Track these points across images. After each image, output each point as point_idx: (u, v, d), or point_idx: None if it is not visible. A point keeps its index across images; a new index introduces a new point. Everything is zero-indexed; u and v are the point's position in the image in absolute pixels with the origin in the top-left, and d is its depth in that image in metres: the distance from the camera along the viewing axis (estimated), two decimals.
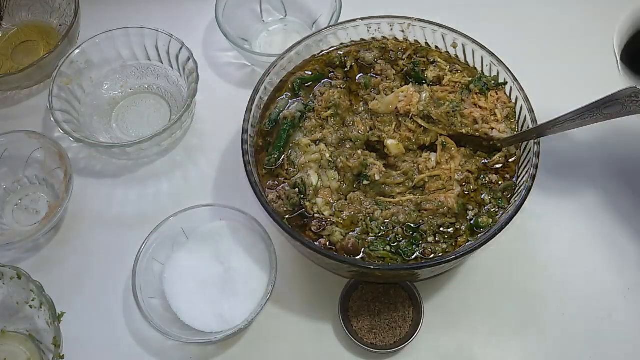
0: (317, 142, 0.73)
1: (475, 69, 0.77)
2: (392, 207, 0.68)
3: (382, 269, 0.64)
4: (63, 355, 0.66)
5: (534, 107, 0.71)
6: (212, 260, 0.72)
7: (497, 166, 0.71)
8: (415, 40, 0.80)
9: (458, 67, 0.78)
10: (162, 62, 0.89)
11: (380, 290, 0.72)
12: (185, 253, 0.73)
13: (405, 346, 0.69)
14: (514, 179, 0.70)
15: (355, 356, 0.71)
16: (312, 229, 0.67)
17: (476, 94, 0.74)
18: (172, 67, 0.88)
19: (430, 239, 0.67)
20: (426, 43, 0.80)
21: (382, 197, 0.69)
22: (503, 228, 0.64)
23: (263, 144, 0.74)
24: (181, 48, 0.84)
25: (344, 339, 0.71)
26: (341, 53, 0.79)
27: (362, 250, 0.66)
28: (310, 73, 0.78)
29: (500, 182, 0.70)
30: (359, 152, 0.71)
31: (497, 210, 0.68)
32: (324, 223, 0.68)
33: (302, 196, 0.69)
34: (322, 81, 0.78)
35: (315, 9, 0.93)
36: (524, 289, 0.74)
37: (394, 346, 0.69)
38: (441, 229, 0.67)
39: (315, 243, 0.66)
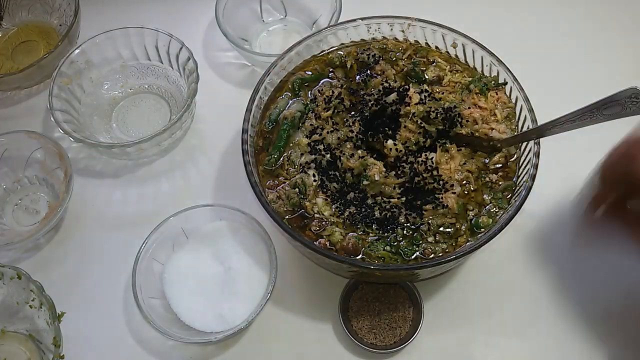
0: (317, 142, 0.73)
1: (475, 69, 0.77)
2: (391, 207, 0.68)
3: (382, 269, 0.64)
4: (63, 355, 0.66)
5: (534, 107, 0.71)
6: (212, 260, 0.72)
7: (497, 166, 0.71)
8: (415, 40, 0.80)
9: (458, 67, 0.78)
10: (162, 62, 0.89)
11: (380, 290, 0.72)
12: (185, 253, 0.73)
13: (405, 346, 0.69)
14: (514, 179, 0.70)
15: (355, 356, 0.71)
16: (312, 229, 0.67)
17: (476, 94, 0.74)
18: (172, 67, 0.88)
19: (430, 239, 0.67)
20: (426, 43, 0.80)
21: (381, 197, 0.69)
22: (503, 228, 0.64)
23: (263, 144, 0.74)
24: (181, 48, 0.84)
25: (344, 339, 0.71)
26: (341, 53, 0.79)
27: (362, 250, 0.66)
28: (310, 73, 0.78)
29: (500, 182, 0.70)
30: (359, 152, 0.71)
31: (497, 210, 0.68)
32: (324, 223, 0.68)
33: (302, 196, 0.69)
34: (322, 81, 0.78)
35: (315, 9, 0.93)
36: (523, 289, 0.74)
37: (394, 346, 0.69)
38: (441, 229, 0.67)
39: (315, 243, 0.66)
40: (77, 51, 0.85)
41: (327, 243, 0.67)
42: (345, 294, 0.71)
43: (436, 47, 0.80)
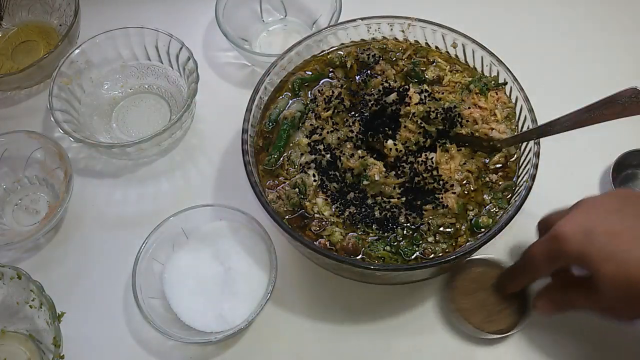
0: (317, 142, 0.73)
1: (475, 69, 0.77)
2: (391, 207, 0.68)
3: (382, 269, 0.64)
4: (63, 355, 0.66)
5: (534, 107, 0.71)
6: (212, 260, 0.72)
7: (497, 166, 0.71)
8: (415, 40, 0.80)
9: (458, 67, 0.78)
10: (162, 62, 0.89)
11: (487, 277, 0.71)
12: (185, 253, 0.73)
13: (512, 333, 0.69)
14: (514, 179, 0.70)
15: (354, 356, 0.71)
16: (312, 229, 0.67)
17: (476, 94, 0.74)
18: (172, 67, 0.88)
19: (430, 239, 0.67)
20: (426, 43, 0.80)
21: (381, 197, 0.69)
22: (503, 228, 0.64)
23: (263, 144, 0.74)
24: (181, 48, 0.84)
25: (344, 339, 0.71)
26: (341, 53, 0.79)
27: (362, 250, 0.66)
28: (310, 73, 0.78)
29: (500, 182, 0.70)
30: (359, 152, 0.71)
31: (497, 210, 0.68)
32: (324, 223, 0.68)
33: (302, 196, 0.69)
34: (322, 81, 0.78)
35: (315, 9, 0.93)
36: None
37: (499, 333, 0.68)
38: (441, 229, 0.67)
39: (315, 243, 0.66)
40: (77, 51, 0.85)
41: (327, 243, 0.67)
42: (450, 278, 0.71)
43: (436, 47, 0.80)
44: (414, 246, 0.66)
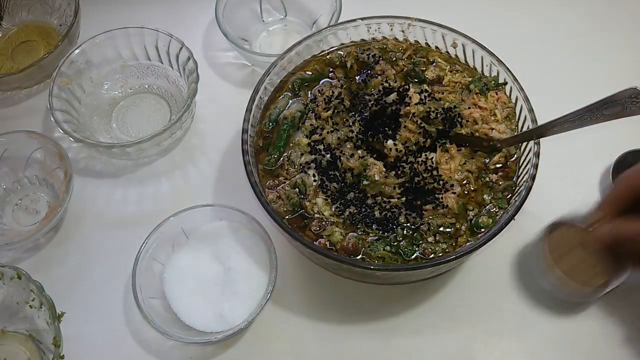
0: (317, 142, 0.73)
1: (475, 69, 0.78)
2: (391, 207, 0.68)
3: (382, 269, 0.64)
4: (63, 355, 0.66)
5: (534, 107, 0.71)
6: (212, 260, 0.72)
7: (497, 166, 0.71)
8: (415, 40, 0.80)
9: (458, 67, 0.78)
10: (162, 62, 0.89)
11: (572, 236, 0.68)
12: (185, 253, 0.73)
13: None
14: (514, 179, 0.70)
15: (354, 356, 0.71)
16: (312, 229, 0.67)
17: (476, 94, 0.74)
18: (172, 67, 0.88)
19: (430, 239, 0.67)
20: (426, 43, 0.80)
21: (381, 197, 0.69)
22: (503, 228, 0.64)
23: (263, 144, 0.74)
24: (181, 48, 0.84)
25: (344, 339, 0.71)
26: (341, 53, 0.79)
27: (362, 250, 0.66)
28: (310, 73, 0.78)
29: (500, 182, 0.70)
30: (359, 152, 0.71)
31: (497, 210, 0.68)
32: (324, 223, 0.68)
33: (302, 196, 0.69)
34: (322, 81, 0.78)
35: (315, 9, 0.93)
36: (523, 289, 0.74)
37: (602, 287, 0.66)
38: (441, 229, 0.67)
39: (315, 243, 0.66)
40: (77, 51, 0.85)
41: (327, 243, 0.67)
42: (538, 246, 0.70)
43: (436, 47, 0.80)
44: (414, 246, 0.66)
